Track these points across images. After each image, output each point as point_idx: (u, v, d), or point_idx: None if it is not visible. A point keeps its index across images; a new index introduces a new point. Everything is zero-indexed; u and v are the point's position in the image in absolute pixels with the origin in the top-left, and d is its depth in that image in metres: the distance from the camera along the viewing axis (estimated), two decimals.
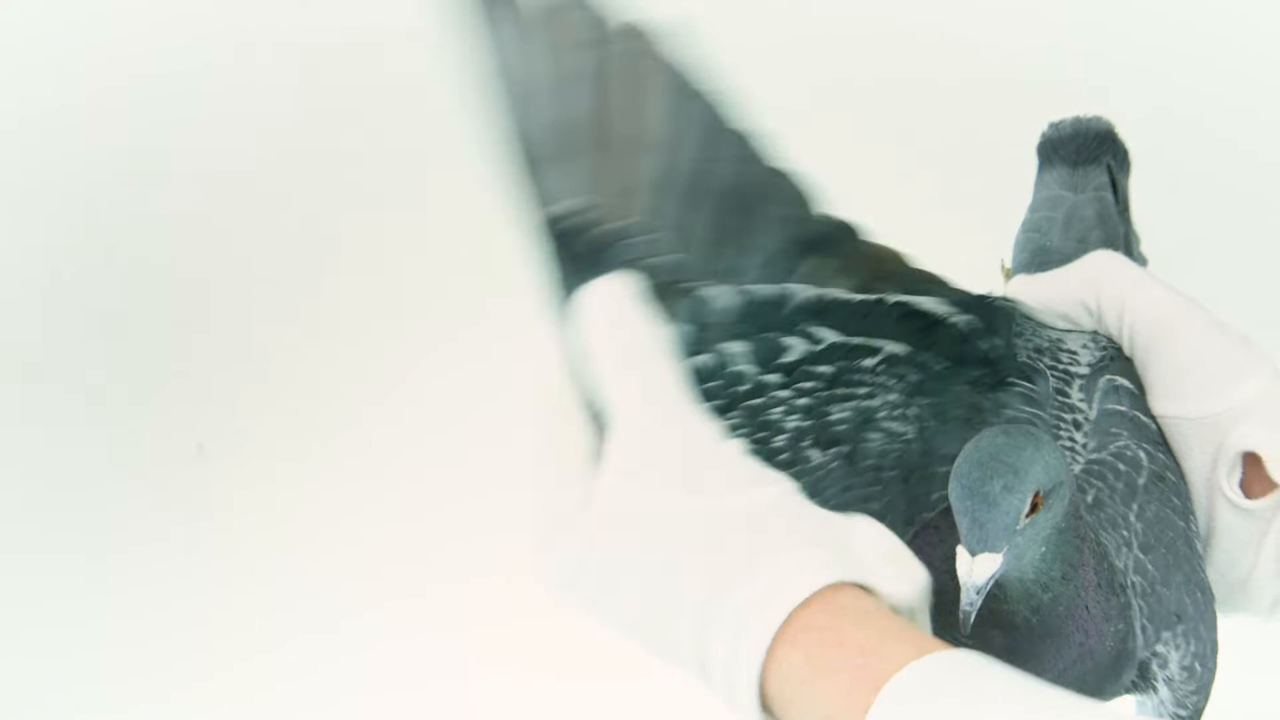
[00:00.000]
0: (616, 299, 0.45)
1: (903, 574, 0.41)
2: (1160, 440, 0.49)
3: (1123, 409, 0.49)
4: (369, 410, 1.00)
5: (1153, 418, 0.49)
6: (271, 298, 1.01)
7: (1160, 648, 0.46)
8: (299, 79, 1.02)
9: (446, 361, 1.00)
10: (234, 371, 1.00)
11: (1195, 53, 0.97)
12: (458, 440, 0.98)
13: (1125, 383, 0.50)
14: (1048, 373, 0.50)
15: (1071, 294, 0.52)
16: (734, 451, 0.42)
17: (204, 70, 1.02)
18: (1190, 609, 0.46)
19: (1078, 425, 0.48)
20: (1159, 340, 0.49)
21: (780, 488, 0.41)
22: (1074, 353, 0.51)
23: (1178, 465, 0.49)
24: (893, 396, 0.48)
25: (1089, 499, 0.47)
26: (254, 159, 1.02)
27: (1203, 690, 0.46)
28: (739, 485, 0.41)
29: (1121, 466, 0.47)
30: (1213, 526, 0.48)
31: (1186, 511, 0.48)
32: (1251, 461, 0.48)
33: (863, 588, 0.39)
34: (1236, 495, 0.47)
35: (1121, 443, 0.48)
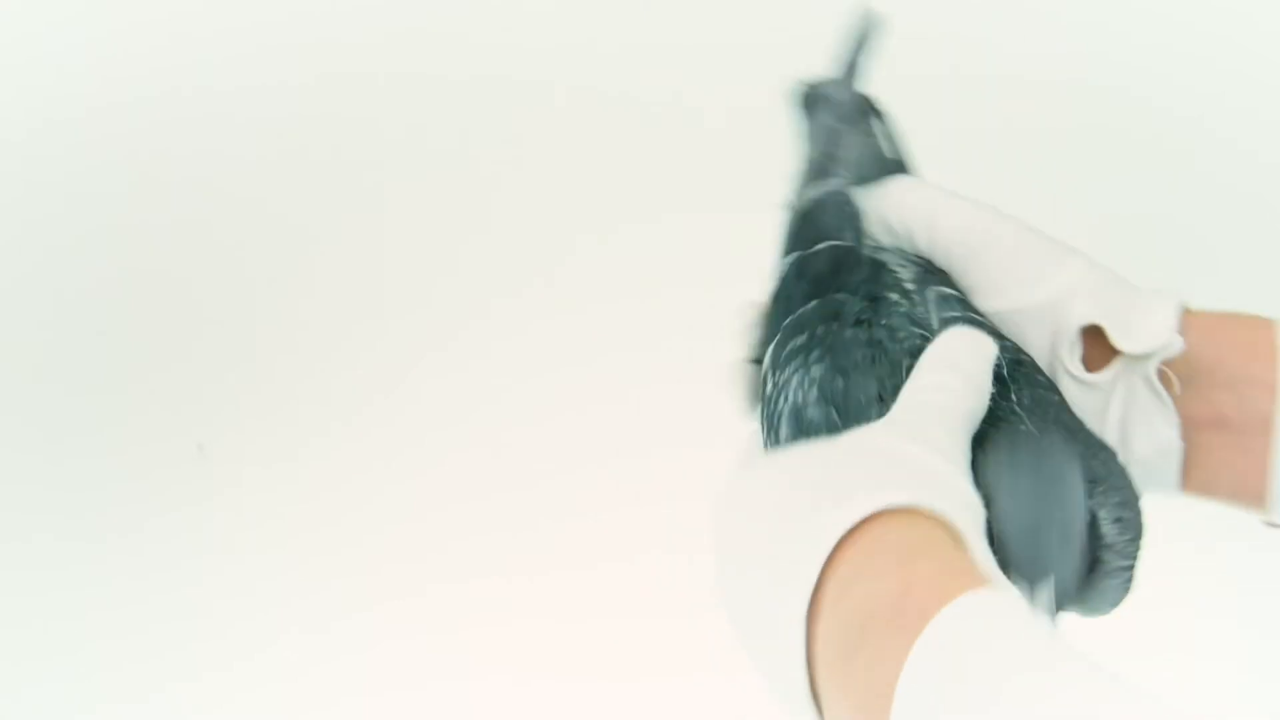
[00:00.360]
0: None
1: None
2: (1000, 334, 0.50)
3: (957, 314, 0.50)
4: (369, 410, 1.00)
5: (985, 316, 0.51)
6: (272, 297, 1.01)
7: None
8: (302, 78, 1.02)
9: (447, 361, 1.00)
10: (234, 371, 1.00)
11: (1195, 53, 0.97)
12: (458, 440, 0.98)
13: (951, 290, 0.51)
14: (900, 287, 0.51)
15: (874, 217, 0.54)
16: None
17: (206, 69, 1.02)
18: (1100, 469, 0.47)
19: (925, 340, 0.49)
20: (975, 245, 0.52)
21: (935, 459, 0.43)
22: (894, 271, 0.52)
23: (1023, 350, 0.51)
24: (796, 374, 0.49)
25: None
26: (254, 159, 1.02)
27: (1137, 536, 0.47)
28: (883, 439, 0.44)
29: None
30: None
31: (1053, 385, 0.50)
32: (1089, 337, 0.51)
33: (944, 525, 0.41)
34: (1080, 370, 0.50)
35: None
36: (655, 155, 1.01)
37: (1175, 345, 0.49)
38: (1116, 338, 0.50)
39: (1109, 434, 0.50)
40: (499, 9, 1.03)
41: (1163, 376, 0.50)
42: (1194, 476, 0.51)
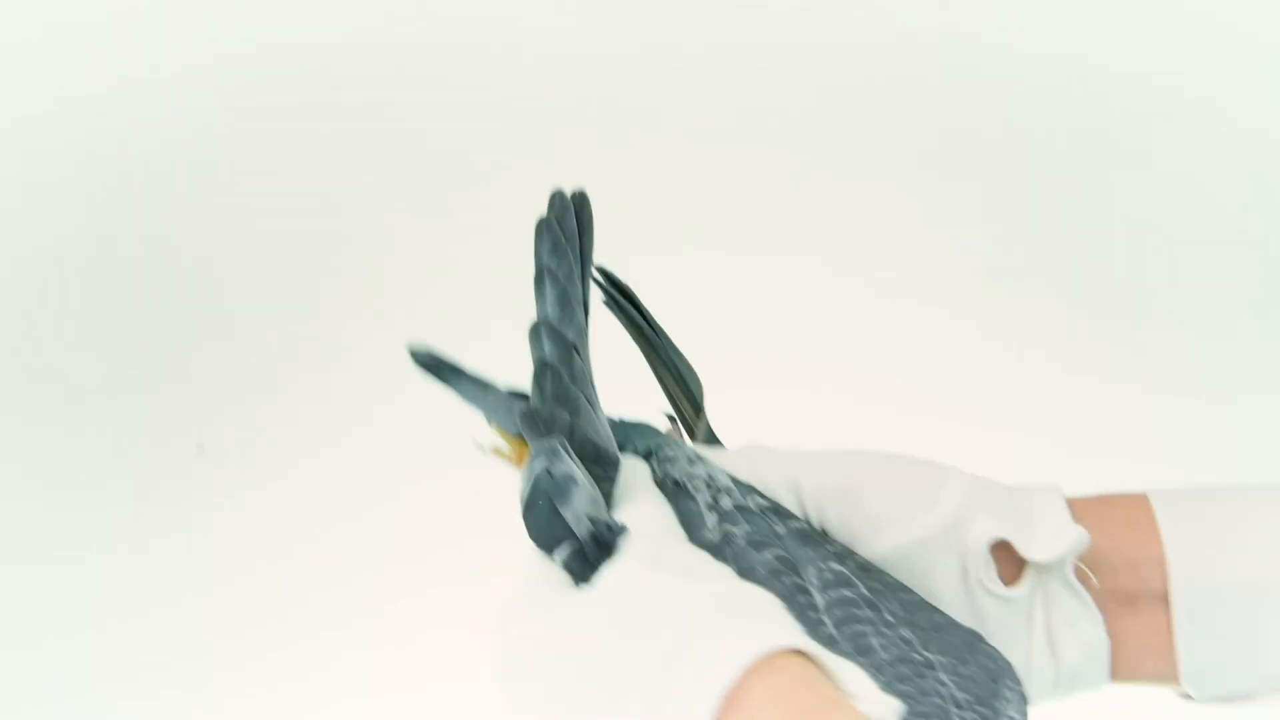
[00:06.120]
0: None
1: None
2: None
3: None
4: (372, 410, 1.00)
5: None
6: (273, 298, 1.02)
7: None
8: (310, 77, 1.02)
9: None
10: (235, 371, 1.00)
11: (1195, 51, 0.97)
12: (464, 442, 0.98)
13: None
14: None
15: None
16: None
17: (209, 67, 1.02)
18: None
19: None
20: (851, 488, 0.51)
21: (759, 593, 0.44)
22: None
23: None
24: None
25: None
26: (259, 159, 1.02)
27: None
28: (721, 578, 0.44)
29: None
30: (983, 627, 0.50)
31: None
32: (998, 551, 0.50)
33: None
34: (999, 587, 0.49)
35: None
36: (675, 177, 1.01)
37: (1084, 540, 0.49)
38: (1025, 550, 0.49)
39: (1037, 645, 0.50)
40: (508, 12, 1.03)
41: (1079, 574, 0.50)
42: (1119, 665, 0.51)
